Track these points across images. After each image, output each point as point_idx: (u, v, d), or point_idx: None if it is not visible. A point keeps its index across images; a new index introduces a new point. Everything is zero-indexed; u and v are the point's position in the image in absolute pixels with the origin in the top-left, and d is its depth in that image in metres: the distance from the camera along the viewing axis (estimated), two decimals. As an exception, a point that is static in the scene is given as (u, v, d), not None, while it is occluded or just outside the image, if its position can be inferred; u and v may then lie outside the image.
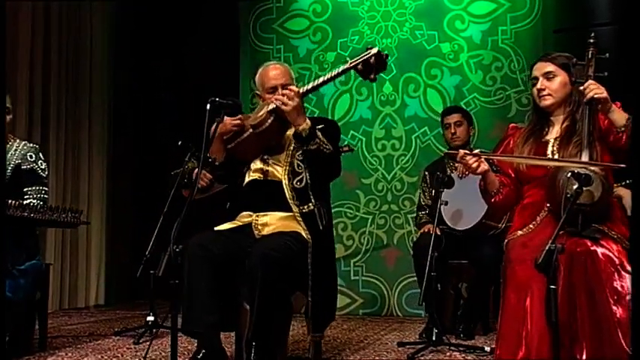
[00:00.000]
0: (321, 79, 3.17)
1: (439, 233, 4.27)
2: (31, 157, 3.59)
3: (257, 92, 3.49)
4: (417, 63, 5.56)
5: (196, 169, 4.48)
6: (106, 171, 6.41)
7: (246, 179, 3.40)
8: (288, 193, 3.25)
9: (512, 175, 3.12)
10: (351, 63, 3.09)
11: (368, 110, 5.65)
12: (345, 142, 5.51)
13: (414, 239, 4.54)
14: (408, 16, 5.63)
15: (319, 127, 3.28)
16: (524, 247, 2.82)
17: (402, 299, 5.45)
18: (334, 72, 3.13)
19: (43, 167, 3.65)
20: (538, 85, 3.07)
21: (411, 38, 5.61)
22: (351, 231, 5.62)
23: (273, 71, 3.40)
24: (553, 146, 2.97)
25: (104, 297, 6.40)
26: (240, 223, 3.31)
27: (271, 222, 3.24)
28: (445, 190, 4.27)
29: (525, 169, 3.02)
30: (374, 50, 3.01)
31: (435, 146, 5.48)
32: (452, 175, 4.18)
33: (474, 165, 2.94)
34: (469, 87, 5.46)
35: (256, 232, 3.24)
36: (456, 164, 4.37)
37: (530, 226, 2.92)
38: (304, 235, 3.17)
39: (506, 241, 3.00)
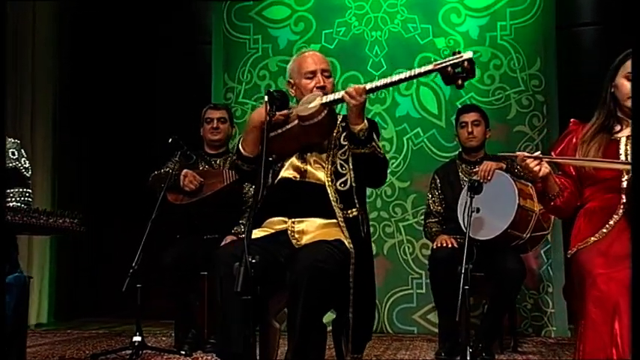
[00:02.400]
0: (396, 77, 2.91)
1: (456, 245, 4.10)
2: (13, 154, 3.19)
3: (290, 80, 3.22)
4: (410, 58, 5.37)
5: (185, 171, 4.19)
6: (51, 171, 5.93)
7: (277, 178, 3.11)
8: (332, 196, 3.00)
9: (574, 175, 2.97)
10: (438, 64, 2.84)
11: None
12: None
13: (430, 251, 4.31)
14: (400, 8, 5.45)
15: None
16: (604, 256, 2.68)
17: (392, 315, 5.25)
18: (414, 71, 2.88)
19: (27, 166, 3.26)
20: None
21: (403, 32, 5.43)
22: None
23: (312, 56, 3.19)
24: (626, 145, 2.83)
25: (46, 315, 5.93)
26: (272, 231, 3.02)
27: (310, 230, 2.99)
28: (464, 196, 4.11)
29: (592, 170, 2.87)
30: (468, 54, 2.78)
31: (429, 149, 5.32)
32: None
33: (536, 168, 2.78)
34: (466, 86, 5.28)
35: (294, 240, 2.97)
36: (475, 168, 4.21)
37: (604, 230, 2.79)
38: (347, 244, 2.92)
39: (573, 250, 2.85)
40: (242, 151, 3.09)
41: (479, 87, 5.30)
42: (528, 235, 3.96)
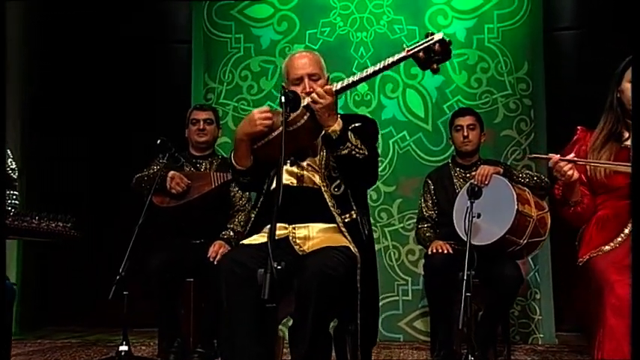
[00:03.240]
0: (365, 73, 2.87)
1: (451, 251, 4.06)
2: (-2, 154, 3.04)
3: (283, 85, 3.15)
4: (396, 60, 5.31)
5: (172, 172, 4.08)
6: (19, 173, 5.72)
7: (273, 184, 3.04)
8: (329, 201, 2.96)
9: (587, 182, 2.97)
10: (409, 50, 2.79)
11: (340, 110, 5.24)
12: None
13: (425, 257, 4.26)
14: (386, 9, 5.41)
15: (356, 125, 3.02)
16: (619, 265, 2.67)
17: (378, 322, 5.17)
18: (385, 62, 2.82)
19: (13, 167, 3.15)
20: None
21: (389, 33, 5.39)
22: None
23: (299, 60, 3.10)
24: None
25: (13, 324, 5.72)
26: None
27: (312, 235, 2.94)
28: (461, 200, 4.08)
29: (604, 178, 2.88)
30: (438, 36, 2.74)
31: (415, 152, 5.29)
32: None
33: (570, 172, 2.76)
34: (452, 89, 5.30)
35: (296, 247, 2.90)
36: (471, 172, 4.17)
37: (618, 239, 2.79)
38: (352, 249, 2.86)
39: (585, 257, 2.84)
40: (236, 165, 3.04)
41: (466, 90, 5.29)
42: (525, 240, 3.93)
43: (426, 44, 2.79)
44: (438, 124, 5.26)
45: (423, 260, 4.99)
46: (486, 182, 3.97)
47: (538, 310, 5.05)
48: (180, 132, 4.53)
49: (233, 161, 3.03)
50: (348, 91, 5.25)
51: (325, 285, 2.63)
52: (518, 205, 3.85)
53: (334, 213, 2.94)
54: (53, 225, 2.93)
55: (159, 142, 4.00)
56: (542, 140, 5.18)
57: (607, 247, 2.79)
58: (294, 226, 2.95)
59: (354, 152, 2.88)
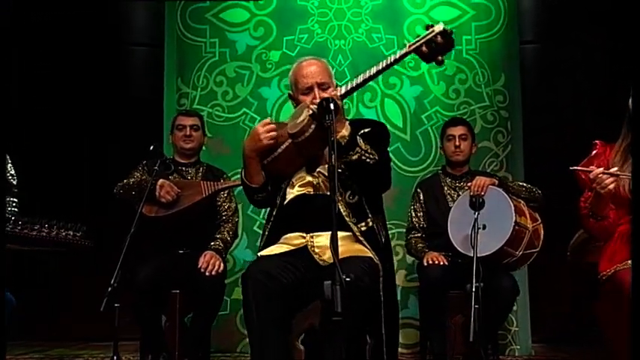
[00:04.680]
0: (368, 73, 2.91)
1: (446, 263, 4.09)
2: (-2, 159, 2.91)
3: (290, 93, 3.14)
4: (374, 69, 5.34)
5: (161, 181, 3.98)
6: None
7: (288, 195, 3.02)
8: (343, 210, 2.95)
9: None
10: (411, 45, 2.82)
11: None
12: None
13: (418, 268, 4.27)
14: (364, 17, 5.42)
15: (365, 130, 3.05)
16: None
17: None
18: (388, 60, 2.86)
19: (12, 173, 3.01)
20: None
21: (367, 41, 5.40)
22: (297, 256, 5.24)
23: (307, 68, 3.10)
24: None
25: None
26: (292, 247, 2.91)
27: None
28: (457, 211, 4.12)
29: (628, 193, 2.94)
30: (439, 27, 2.78)
31: (393, 162, 5.26)
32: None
33: (612, 186, 2.82)
34: (431, 99, 5.35)
35: (316, 256, 2.88)
36: (461, 183, 4.22)
37: None
38: (374, 259, 2.87)
39: (611, 270, 2.90)
40: (249, 184, 3.02)
41: (444, 101, 5.34)
42: (521, 252, 4.00)
43: (427, 37, 2.81)
44: (417, 134, 5.30)
45: (403, 271, 5.05)
46: (482, 193, 4.01)
47: (515, 321, 5.12)
48: (148, 137, 4.44)
49: (245, 180, 3.00)
50: (326, 100, 5.28)
51: (354, 296, 2.60)
52: (515, 216, 3.91)
53: (350, 223, 2.94)
54: (63, 234, 2.82)
55: (152, 148, 3.90)
56: (519, 152, 5.28)
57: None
58: (312, 234, 2.94)
59: (364, 157, 2.88)
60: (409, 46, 2.87)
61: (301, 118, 2.89)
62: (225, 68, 5.38)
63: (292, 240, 2.96)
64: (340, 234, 2.89)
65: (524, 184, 4.28)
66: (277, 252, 2.91)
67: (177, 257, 4.09)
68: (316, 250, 2.91)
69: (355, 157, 2.88)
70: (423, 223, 4.38)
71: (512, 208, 3.91)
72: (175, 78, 5.35)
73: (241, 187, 4.73)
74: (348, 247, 2.88)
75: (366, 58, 5.36)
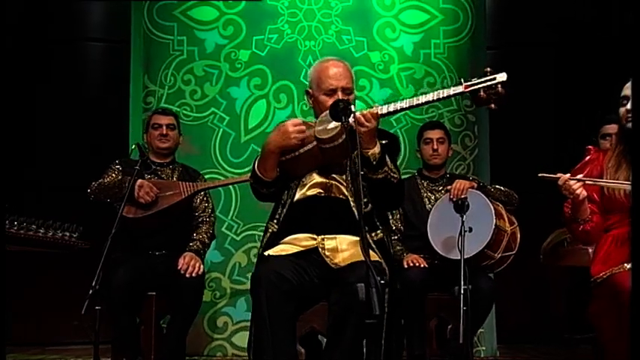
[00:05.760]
0: (415, 101, 2.94)
1: (426, 265, 4.15)
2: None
3: (308, 90, 3.15)
4: (344, 71, 5.37)
5: (141, 181, 3.92)
6: None
7: (298, 195, 3.02)
8: (357, 215, 2.94)
9: (598, 201, 3.12)
10: (468, 86, 2.85)
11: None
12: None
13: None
14: (334, 18, 5.45)
15: (382, 142, 3.03)
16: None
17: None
18: (440, 93, 2.90)
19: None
20: (628, 106, 3.06)
21: (337, 43, 5.44)
22: (265, 259, 5.23)
23: (333, 69, 3.11)
24: None
25: None
26: (301, 248, 2.92)
27: (341, 247, 2.94)
28: (436, 214, 4.18)
29: (623, 197, 3.03)
30: (502, 76, 2.81)
31: (362, 165, 5.34)
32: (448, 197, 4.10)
33: (579, 191, 2.91)
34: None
35: (327, 259, 2.88)
36: (447, 186, 4.28)
37: None
38: (383, 264, 2.90)
39: (607, 273, 2.99)
40: (262, 176, 3.01)
41: (413, 104, 5.40)
42: (499, 255, 4.08)
43: (489, 84, 2.84)
44: (386, 138, 5.35)
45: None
46: (463, 196, 4.08)
47: (481, 323, 5.22)
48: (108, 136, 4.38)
49: (258, 172, 2.99)
50: (296, 101, 5.32)
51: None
52: (496, 219, 3.99)
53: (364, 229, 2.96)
54: (59, 235, 2.77)
55: (133, 146, 3.84)
56: (485, 156, 5.39)
57: (629, 265, 2.92)
58: (322, 237, 2.95)
59: (389, 177, 2.93)
60: (466, 87, 2.88)
61: (333, 125, 2.90)
62: (193, 67, 5.33)
63: (301, 241, 2.96)
64: (352, 238, 2.94)
65: (502, 188, 4.37)
66: (287, 252, 2.91)
67: (153, 259, 4.03)
68: (327, 253, 2.92)
69: (382, 175, 2.93)
70: (400, 225, 4.43)
71: (493, 211, 4.00)
72: (142, 75, 5.28)
73: (219, 188, 4.82)
74: (359, 250, 2.90)
75: (336, 60, 5.40)
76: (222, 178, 5.12)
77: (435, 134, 4.39)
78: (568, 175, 2.99)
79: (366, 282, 2.18)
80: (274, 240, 2.99)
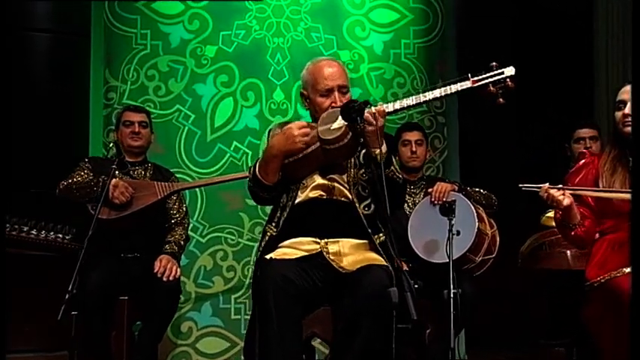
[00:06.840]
0: (422, 97, 2.92)
1: (407, 268, 4.11)
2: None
3: (303, 92, 3.08)
4: (313, 69, 5.31)
5: (116, 180, 3.78)
6: None
7: (300, 198, 2.96)
8: (362, 217, 2.91)
9: (592, 205, 3.14)
10: (476, 82, 2.82)
11: (255, 119, 5.25)
12: (228, 155, 5.12)
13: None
14: (303, 15, 5.38)
15: None
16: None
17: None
18: (447, 89, 2.86)
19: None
20: (625, 110, 3.08)
21: (307, 40, 5.37)
22: (232, 260, 5.14)
23: (327, 69, 3.06)
24: None
25: None
26: (305, 252, 2.86)
27: (344, 251, 2.90)
28: (417, 216, 4.16)
29: (619, 202, 3.06)
30: (510, 70, 2.79)
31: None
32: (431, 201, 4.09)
33: (560, 198, 2.94)
34: (370, 102, 5.35)
35: (333, 263, 2.83)
36: (429, 189, 4.25)
37: None
38: (390, 268, 2.86)
39: (605, 278, 3.01)
40: (262, 180, 2.95)
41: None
42: (480, 258, 4.07)
43: (497, 78, 2.82)
44: (358, 139, 5.31)
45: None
46: (444, 199, 4.06)
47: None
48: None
49: (259, 176, 2.91)
50: (264, 99, 5.23)
51: (385, 304, 2.59)
52: (478, 222, 3.99)
53: (368, 231, 2.93)
54: (52, 237, 2.64)
55: (111, 144, 3.70)
56: (454, 158, 5.42)
57: (627, 270, 2.95)
58: (326, 240, 2.90)
59: (394, 176, 2.91)
60: (473, 82, 2.84)
61: (337, 126, 2.85)
62: (157, 62, 5.18)
63: (304, 245, 2.91)
64: (355, 241, 2.91)
65: (481, 190, 4.37)
66: (291, 256, 2.84)
67: (126, 261, 3.90)
68: (331, 257, 2.87)
69: (389, 175, 2.90)
70: (379, 229, 4.38)
71: (476, 214, 3.99)
72: (103, 70, 5.10)
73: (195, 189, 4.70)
74: (365, 255, 2.90)
75: (305, 58, 5.27)
76: (188, 178, 5.00)
77: (413, 136, 4.36)
78: (547, 184, 3.01)
79: (399, 287, 2.12)
80: (274, 243, 2.93)
